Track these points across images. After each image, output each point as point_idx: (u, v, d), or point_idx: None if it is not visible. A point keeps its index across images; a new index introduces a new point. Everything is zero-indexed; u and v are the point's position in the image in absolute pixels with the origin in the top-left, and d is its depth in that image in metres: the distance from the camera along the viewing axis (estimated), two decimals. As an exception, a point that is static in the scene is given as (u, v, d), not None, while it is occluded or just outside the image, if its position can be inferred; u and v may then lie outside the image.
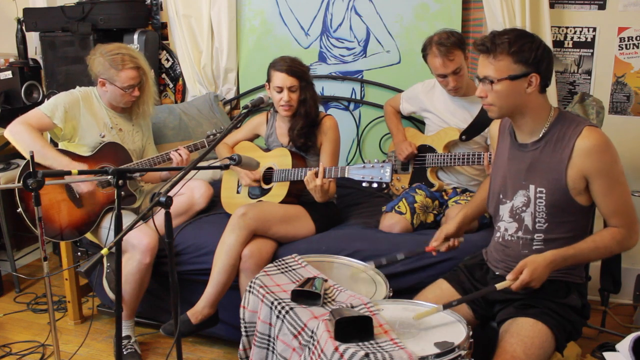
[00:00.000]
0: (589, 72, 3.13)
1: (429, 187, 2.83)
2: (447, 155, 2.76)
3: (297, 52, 3.16)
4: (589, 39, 3.09)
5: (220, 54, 3.64)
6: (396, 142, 2.98)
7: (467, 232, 2.48)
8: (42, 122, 2.68)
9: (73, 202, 2.70)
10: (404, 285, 2.38)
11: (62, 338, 2.91)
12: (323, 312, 1.88)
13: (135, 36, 3.56)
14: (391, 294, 2.06)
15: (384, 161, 2.35)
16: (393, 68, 3.43)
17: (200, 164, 2.00)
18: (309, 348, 1.77)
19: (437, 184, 2.83)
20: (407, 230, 2.65)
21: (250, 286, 2.11)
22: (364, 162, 2.38)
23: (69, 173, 2.23)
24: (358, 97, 3.53)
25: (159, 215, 2.39)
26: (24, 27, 3.73)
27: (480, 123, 2.69)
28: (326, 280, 2.07)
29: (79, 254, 3.04)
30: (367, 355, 1.57)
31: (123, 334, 2.62)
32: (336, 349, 1.61)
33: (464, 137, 2.74)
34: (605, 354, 1.76)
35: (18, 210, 2.61)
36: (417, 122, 3.32)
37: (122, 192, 1.91)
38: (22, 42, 3.83)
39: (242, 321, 2.12)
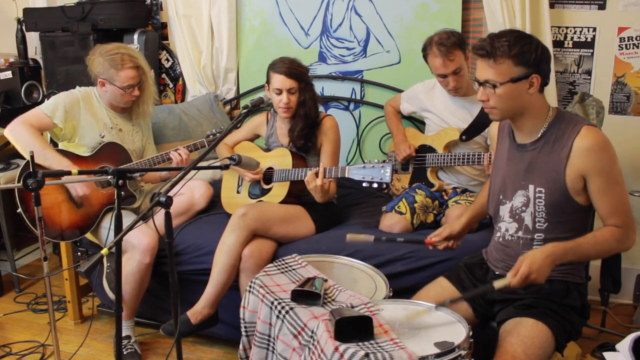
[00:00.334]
0: (589, 72, 3.13)
1: (429, 187, 2.83)
2: (447, 155, 2.76)
3: (297, 52, 3.16)
4: (589, 39, 3.09)
5: (220, 54, 3.64)
6: (396, 143, 2.98)
7: (468, 232, 2.49)
8: (42, 122, 2.68)
9: (73, 202, 2.70)
10: (404, 285, 2.38)
11: (62, 338, 2.91)
12: (323, 312, 1.88)
13: (135, 36, 3.56)
14: (391, 294, 2.06)
15: (384, 161, 2.35)
16: (393, 68, 3.43)
17: (200, 164, 2.01)
18: (309, 348, 1.77)
19: (437, 184, 2.83)
20: (407, 230, 2.65)
21: (250, 286, 2.11)
22: (364, 162, 2.38)
23: (68, 173, 2.23)
24: (358, 97, 3.53)
25: (159, 215, 2.39)
26: (24, 27, 3.73)
27: (480, 123, 2.69)
28: (326, 280, 2.07)
29: (79, 254, 3.04)
30: (367, 355, 1.57)
31: (123, 334, 2.62)
32: (336, 349, 1.61)
33: (464, 137, 2.74)
34: (605, 354, 1.76)
35: (18, 211, 2.61)
36: (417, 122, 3.32)
37: (122, 192, 1.91)
38: (22, 42, 3.83)
39: (242, 321, 2.12)
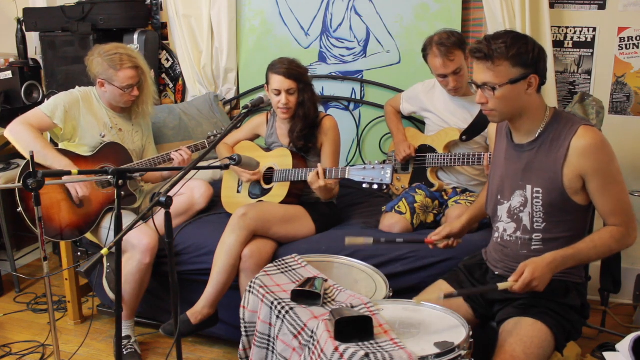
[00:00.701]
0: (589, 72, 3.13)
1: (429, 187, 2.83)
2: (447, 156, 2.76)
3: (297, 52, 3.16)
4: (589, 39, 3.09)
5: (220, 54, 3.64)
6: (396, 143, 2.98)
7: (468, 232, 2.49)
8: (42, 122, 2.69)
9: (73, 202, 2.70)
10: (404, 285, 2.38)
11: (62, 338, 2.91)
12: (323, 312, 1.88)
13: (135, 36, 3.56)
14: (391, 294, 2.06)
15: (384, 161, 2.35)
16: (393, 68, 3.42)
17: (200, 164, 2.01)
18: (309, 348, 1.77)
19: (437, 184, 2.83)
20: (407, 230, 2.65)
21: (250, 286, 2.11)
22: (364, 163, 2.38)
23: (69, 173, 2.23)
24: (358, 97, 3.53)
25: (159, 215, 2.39)
26: (24, 27, 3.73)
27: (480, 123, 2.69)
28: (326, 280, 2.07)
29: (79, 254, 3.04)
30: (367, 355, 1.57)
31: (123, 334, 2.62)
32: (336, 349, 1.61)
33: (464, 137, 2.74)
34: (605, 354, 1.76)
35: (18, 210, 2.61)
36: (418, 122, 3.32)
37: (122, 192, 1.91)
38: (22, 42, 3.83)
39: (242, 321, 2.12)
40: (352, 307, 1.85)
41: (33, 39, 3.91)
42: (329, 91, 3.57)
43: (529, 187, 1.91)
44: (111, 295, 2.74)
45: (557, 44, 3.13)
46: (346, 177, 2.41)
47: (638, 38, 3.00)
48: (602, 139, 1.82)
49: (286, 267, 2.22)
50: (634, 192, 2.77)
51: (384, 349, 1.61)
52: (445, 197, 2.80)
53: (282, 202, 2.69)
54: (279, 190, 2.72)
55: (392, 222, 2.66)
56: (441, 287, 2.12)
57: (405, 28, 3.36)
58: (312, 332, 1.78)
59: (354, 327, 1.66)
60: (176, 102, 3.83)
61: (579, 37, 3.10)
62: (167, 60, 3.84)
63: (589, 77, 3.14)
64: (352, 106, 3.55)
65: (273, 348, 1.99)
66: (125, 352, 2.69)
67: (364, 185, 2.34)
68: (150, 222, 2.40)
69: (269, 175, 2.79)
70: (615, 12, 3.01)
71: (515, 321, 1.88)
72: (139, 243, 2.62)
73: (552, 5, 3.05)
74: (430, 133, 2.91)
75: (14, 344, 2.89)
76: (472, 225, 2.26)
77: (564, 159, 1.83)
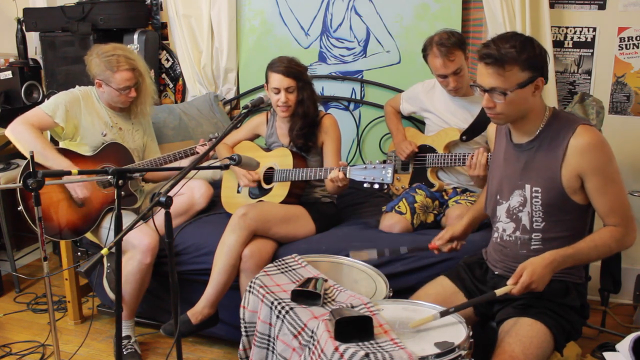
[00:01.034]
0: (589, 72, 3.13)
1: (429, 187, 2.83)
2: (448, 156, 2.76)
3: (297, 52, 3.16)
4: (589, 39, 3.09)
5: (220, 54, 3.64)
6: (396, 142, 2.98)
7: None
8: (43, 122, 2.69)
9: (74, 202, 2.70)
10: (404, 285, 2.38)
11: (62, 338, 2.91)
12: (323, 312, 1.88)
13: (135, 36, 3.56)
14: (391, 294, 2.06)
15: (384, 161, 2.34)
16: (393, 68, 3.42)
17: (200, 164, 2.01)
18: (309, 348, 1.77)
19: (437, 184, 2.83)
20: (407, 230, 2.65)
21: (250, 286, 2.11)
22: (364, 163, 2.37)
23: (69, 173, 2.23)
24: (358, 97, 3.53)
25: (159, 215, 2.39)
26: (24, 27, 3.73)
27: (480, 123, 2.69)
28: (326, 280, 2.07)
29: (79, 254, 3.04)
30: (367, 355, 1.57)
31: (123, 334, 2.62)
32: (336, 349, 1.61)
33: (464, 137, 2.74)
34: (605, 354, 1.76)
35: (19, 209, 2.61)
36: (417, 122, 3.32)
37: (123, 192, 1.91)
38: (22, 42, 3.83)
39: (242, 321, 2.12)
40: (352, 307, 1.85)
41: (33, 39, 3.91)
42: (329, 91, 3.57)
43: (527, 187, 1.91)
44: (111, 295, 2.74)
45: (557, 44, 3.13)
46: (347, 176, 2.41)
47: (638, 38, 3.00)
48: (600, 139, 1.82)
49: (286, 267, 2.22)
50: (634, 192, 2.77)
51: (384, 349, 1.61)
52: (446, 197, 2.80)
53: (282, 202, 2.69)
54: (279, 190, 2.72)
55: (392, 222, 2.66)
56: (442, 282, 2.12)
57: (405, 28, 3.36)
58: (312, 332, 1.78)
59: (354, 327, 1.66)
60: (176, 102, 3.83)
61: (579, 37, 3.10)
62: (167, 60, 3.84)
63: (589, 77, 3.14)
64: (352, 106, 3.55)
65: (273, 348, 1.99)
66: (125, 352, 2.69)
67: (365, 185, 2.34)
68: (151, 222, 2.40)
69: (269, 175, 2.79)
70: (615, 12, 3.01)
71: (515, 321, 1.88)
72: (140, 243, 2.62)
73: (552, 5, 3.05)
74: (430, 133, 2.91)
75: (14, 344, 2.89)
76: (474, 226, 2.26)
77: (562, 158, 1.83)
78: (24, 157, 3.11)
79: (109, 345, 2.88)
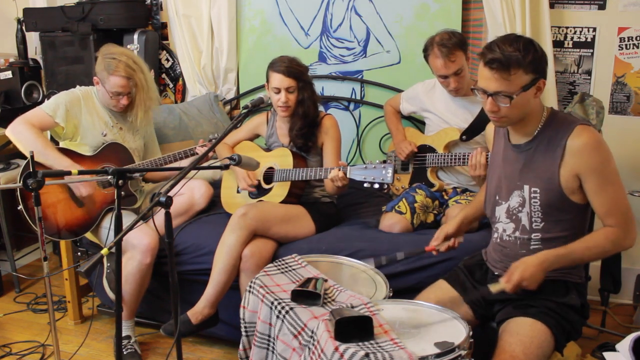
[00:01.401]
0: (589, 72, 3.13)
1: (429, 187, 2.83)
2: (447, 155, 2.76)
3: (297, 52, 3.16)
4: (589, 39, 3.09)
5: (220, 54, 3.64)
6: (396, 142, 2.98)
7: (467, 232, 2.49)
8: (44, 121, 2.69)
9: (74, 202, 2.70)
10: (404, 285, 2.38)
11: (62, 338, 2.91)
12: (323, 312, 1.88)
13: (135, 36, 3.56)
14: (391, 294, 2.06)
15: (384, 161, 2.34)
16: (393, 68, 3.42)
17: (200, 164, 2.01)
18: (309, 348, 1.77)
19: (437, 183, 2.83)
20: (407, 230, 2.65)
21: (250, 286, 2.11)
22: (365, 163, 2.38)
23: (69, 173, 2.23)
24: (358, 97, 3.53)
25: (159, 215, 2.39)
26: (24, 27, 3.73)
27: (480, 123, 2.69)
28: (326, 280, 2.07)
29: (79, 254, 3.04)
30: (367, 355, 1.57)
31: (123, 334, 2.62)
32: (336, 349, 1.61)
33: (464, 137, 2.74)
34: (605, 354, 1.76)
35: (19, 208, 2.62)
36: (417, 122, 3.32)
37: (123, 193, 1.91)
38: (22, 42, 3.83)
39: (242, 321, 2.12)
40: (352, 307, 1.85)
41: (33, 39, 3.91)
42: (329, 91, 3.57)
43: (526, 187, 1.91)
44: (111, 295, 2.74)
45: (557, 44, 3.13)
46: (347, 176, 2.41)
47: (638, 38, 3.00)
48: (598, 139, 1.82)
49: (286, 267, 2.22)
50: (634, 192, 2.77)
51: (384, 349, 1.61)
52: (446, 197, 2.80)
53: (282, 202, 2.69)
54: (279, 190, 2.72)
55: (392, 222, 2.66)
56: (441, 286, 2.12)
57: (405, 28, 3.36)
58: (312, 332, 1.78)
59: (354, 327, 1.66)
60: (176, 102, 3.83)
61: (579, 37, 3.10)
62: (167, 60, 3.84)
63: (589, 77, 3.14)
64: (352, 106, 3.55)
65: (273, 348, 1.99)
66: (125, 352, 2.69)
67: (365, 185, 2.34)
68: (150, 222, 2.40)
69: (269, 175, 2.79)
70: (615, 12, 3.01)
71: (515, 321, 1.88)
72: (140, 243, 2.62)
73: (552, 5, 3.05)
74: (430, 133, 2.91)
75: (14, 344, 2.89)
76: (469, 223, 2.26)
77: (560, 158, 1.83)
78: (24, 157, 3.11)
79: (109, 345, 2.88)
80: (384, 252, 2.48)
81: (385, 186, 2.34)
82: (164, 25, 3.79)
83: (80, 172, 2.15)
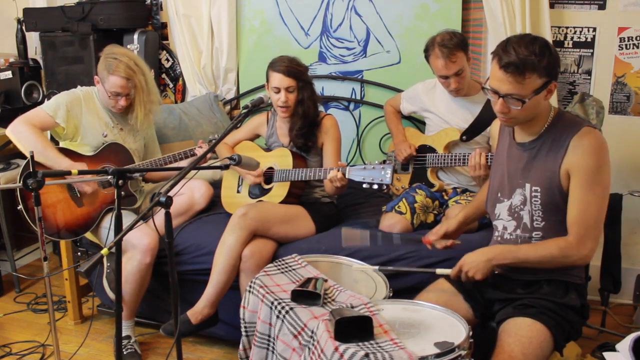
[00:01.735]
0: (589, 72, 3.13)
1: (429, 187, 2.83)
2: (448, 156, 2.76)
3: (297, 52, 3.16)
4: (589, 39, 3.09)
5: (220, 54, 3.64)
6: (396, 143, 2.98)
7: (467, 232, 2.49)
8: (44, 122, 2.69)
9: (74, 201, 2.70)
10: (404, 285, 2.38)
11: (62, 338, 2.91)
12: (323, 312, 1.88)
13: (135, 36, 3.56)
14: (391, 294, 2.06)
15: (384, 161, 2.34)
16: (393, 68, 3.42)
17: (200, 164, 2.01)
18: (309, 348, 1.77)
19: (437, 184, 2.83)
20: (407, 230, 2.65)
21: (250, 286, 2.11)
22: (364, 163, 2.38)
23: (69, 173, 2.23)
24: (358, 97, 3.53)
25: (159, 215, 2.39)
26: (24, 27, 3.73)
27: (481, 123, 2.69)
28: (326, 280, 2.07)
29: (79, 254, 3.04)
30: (367, 355, 1.57)
31: (123, 334, 2.62)
32: (336, 349, 1.61)
33: (464, 137, 2.74)
34: (605, 354, 1.76)
35: (18, 207, 2.62)
36: (418, 122, 3.32)
37: (123, 193, 1.91)
38: (22, 42, 3.83)
39: (242, 321, 2.12)
40: (352, 307, 1.85)
41: (33, 39, 3.91)
42: (329, 91, 3.57)
43: (527, 186, 1.91)
44: (111, 295, 2.74)
45: (557, 44, 3.13)
46: (346, 177, 2.41)
47: (638, 38, 3.00)
48: (600, 144, 1.81)
49: (286, 267, 2.22)
50: (634, 192, 2.77)
51: (384, 349, 1.61)
52: (446, 197, 2.80)
53: (282, 202, 2.69)
54: (279, 190, 2.72)
55: (392, 222, 2.66)
56: (442, 286, 2.12)
57: (405, 28, 3.35)
58: (312, 332, 1.78)
59: (354, 327, 1.66)
60: (176, 102, 3.83)
61: (579, 37, 3.10)
62: (167, 60, 3.84)
63: (589, 77, 3.14)
64: (352, 106, 3.55)
65: (273, 348, 1.99)
66: (125, 352, 2.69)
67: (364, 186, 2.34)
68: (150, 222, 2.40)
69: (269, 175, 2.79)
70: (615, 12, 3.01)
71: (514, 321, 1.88)
72: (139, 243, 2.62)
73: (552, 5, 3.05)
74: (430, 133, 2.91)
75: (14, 344, 2.89)
76: (469, 223, 2.26)
77: (562, 158, 1.83)
78: (24, 157, 3.11)
79: (109, 345, 2.88)
80: (384, 252, 2.49)
81: (385, 187, 2.34)
82: (164, 25, 3.79)
83: (80, 172, 2.15)
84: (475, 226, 2.58)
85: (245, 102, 3.71)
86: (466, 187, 2.83)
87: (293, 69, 2.65)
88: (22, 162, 3.35)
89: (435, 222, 2.74)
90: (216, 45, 3.65)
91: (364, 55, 3.47)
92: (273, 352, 1.99)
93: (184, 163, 2.82)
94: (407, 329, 1.75)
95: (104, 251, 1.66)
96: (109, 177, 1.88)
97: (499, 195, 2.02)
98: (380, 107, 3.38)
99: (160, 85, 3.87)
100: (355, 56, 3.49)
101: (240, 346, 2.16)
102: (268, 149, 2.90)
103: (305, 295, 1.95)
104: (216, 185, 3.07)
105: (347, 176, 2.40)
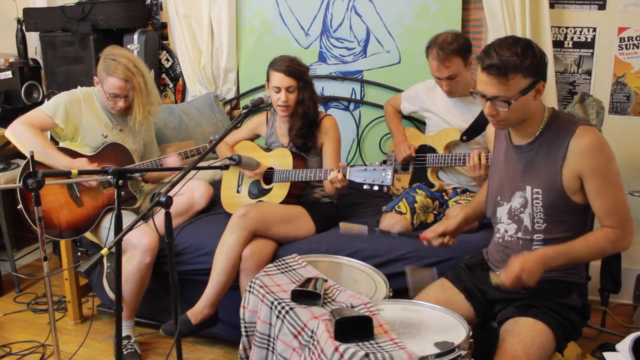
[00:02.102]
0: (589, 72, 3.13)
1: (429, 187, 2.83)
2: (448, 156, 2.76)
3: (297, 52, 3.16)
4: (589, 39, 3.09)
5: (220, 54, 3.64)
6: (396, 143, 2.98)
7: (467, 232, 2.49)
8: (43, 122, 2.69)
9: (74, 201, 2.70)
10: (404, 285, 2.37)
11: (62, 338, 2.91)
12: (323, 312, 1.88)
13: (135, 36, 3.56)
14: (391, 294, 2.06)
15: (384, 161, 2.34)
16: (393, 68, 3.42)
17: (200, 164, 2.01)
18: (309, 348, 1.77)
19: (437, 184, 2.83)
20: (407, 230, 2.64)
21: (250, 286, 2.11)
22: (364, 164, 2.37)
23: (69, 173, 2.24)
24: (358, 97, 3.53)
25: (159, 215, 2.39)
26: (24, 27, 3.73)
27: (481, 123, 2.69)
28: (326, 280, 2.07)
29: (79, 254, 3.04)
30: (367, 355, 1.57)
31: (123, 334, 2.62)
32: (336, 349, 1.61)
33: (464, 137, 2.74)
34: (605, 354, 1.76)
35: (18, 207, 2.62)
36: (418, 122, 3.32)
37: (123, 193, 1.91)
38: (22, 42, 3.83)
39: (242, 321, 2.12)
40: (352, 307, 1.85)
41: (33, 39, 3.91)
42: (329, 91, 3.57)
43: (528, 188, 1.91)
44: (111, 295, 2.74)
45: (557, 44, 3.13)
46: (347, 178, 2.41)
47: (638, 38, 3.00)
48: (600, 140, 1.82)
49: (286, 267, 2.22)
50: (634, 192, 2.77)
51: (384, 349, 1.61)
52: (446, 197, 2.80)
53: (282, 202, 2.68)
54: (279, 190, 2.72)
55: (392, 222, 2.66)
56: (443, 284, 2.12)
57: (405, 28, 3.36)
58: (312, 332, 1.78)
59: (354, 327, 1.66)
60: (176, 102, 3.83)
61: (579, 37, 3.10)
62: (167, 60, 3.84)
63: (589, 77, 3.14)
64: (352, 106, 3.55)
65: (273, 348, 1.99)
66: (125, 352, 2.69)
67: (365, 187, 2.34)
68: (150, 222, 2.40)
69: (269, 176, 2.79)
70: (615, 12, 3.01)
71: (516, 321, 1.88)
72: (139, 243, 2.62)
73: (552, 5, 3.05)
74: (430, 133, 2.91)
75: (14, 344, 2.89)
76: (468, 223, 2.26)
77: (562, 159, 1.83)
78: (24, 157, 3.11)
79: (109, 345, 2.88)
80: (384, 252, 2.49)
81: (385, 188, 2.34)
82: (164, 25, 3.79)
83: (81, 172, 2.16)
84: (476, 226, 2.58)
85: (245, 102, 3.71)
86: (466, 187, 2.83)
87: (294, 68, 2.66)
88: (22, 162, 3.35)
89: (435, 223, 2.74)
90: (216, 45, 3.65)
91: (364, 55, 3.47)
92: (273, 352, 1.99)
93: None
94: (407, 329, 1.75)
95: (104, 251, 1.66)
96: (109, 177, 1.88)
97: (499, 198, 2.02)
98: (380, 107, 3.38)
99: (160, 85, 3.87)
100: (355, 56, 3.49)
101: (240, 346, 2.16)
102: (268, 149, 2.90)
103: (305, 295, 1.95)
104: (216, 185, 3.07)
105: (347, 177, 2.40)
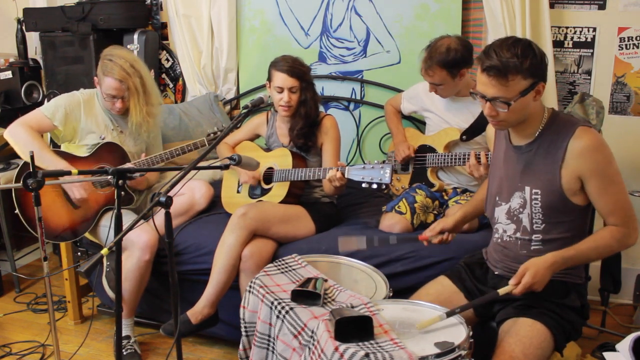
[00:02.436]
0: (589, 72, 3.13)
1: (429, 187, 2.83)
2: (448, 156, 2.76)
3: (297, 52, 3.16)
4: (589, 39, 3.09)
5: (220, 54, 3.64)
6: (396, 143, 2.98)
7: (467, 232, 2.49)
8: (42, 124, 2.69)
9: (70, 204, 2.70)
10: (404, 285, 2.38)
11: (62, 338, 2.91)
12: (323, 312, 1.88)
13: (135, 36, 3.56)
14: (391, 294, 2.06)
15: (383, 161, 2.34)
16: (393, 68, 3.42)
17: (200, 164, 2.00)
18: (309, 348, 1.77)
19: (437, 184, 2.83)
20: (407, 230, 2.65)
21: (250, 286, 2.11)
22: (364, 163, 2.37)
23: (69, 173, 2.23)
24: (358, 97, 3.53)
25: (159, 215, 2.39)
26: (24, 27, 3.73)
27: (481, 123, 2.69)
28: (326, 280, 2.07)
29: (79, 254, 3.04)
30: (367, 355, 1.57)
31: (123, 334, 2.62)
32: (336, 349, 1.61)
33: (464, 137, 2.74)
34: (605, 354, 1.76)
35: (15, 212, 2.61)
36: (418, 122, 3.32)
37: (122, 192, 1.91)
38: (22, 42, 3.84)
39: (242, 321, 2.12)
40: (352, 307, 1.85)
41: (33, 39, 3.91)
42: (329, 91, 3.57)
43: (527, 189, 1.91)
44: (111, 294, 2.74)
45: (557, 44, 3.13)
46: (345, 176, 2.41)
47: (638, 38, 3.00)
48: (599, 140, 1.82)
49: (286, 267, 2.22)
50: (634, 192, 2.77)
51: (384, 349, 1.61)
52: (446, 197, 2.80)
53: (282, 202, 2.68)
54: (279, 190, 2.72)
55: (392, 222, 2.66)
56: (442, 282, 2.13)
57: (405, 28, 3.35)
58: (312, 332, 1.78)
59: (354, 327, 1.66)
60: (176, 102, 3.83)
61: (579, 37, 3.10)
62: (167, 60, 3.84)
63: (589, 77, 3.14)
64: (352, 106, 3.55)
65: (273, 348, 1.99)
66: (125, 352, 2.69)
67: (363, 185, 2.34)
68: (151, 222, 2.40)
69: (268, 175, 2.79)
70: (615, 12, 3.01)
71: (515, 321, 1.88)
72: (138, 240, 2.62)
73: (552, 5, 3.05)
74: (430, 133, 2.91)
75: (14, 344, 2.89)
76: (467, 221, 2.26)
77: (561, 160, 1.83)
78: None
79: (109, 345, 2.88)
80: (384, 252, 2.49)
81: (384, 186, 2.34)
82: (164, 25, 3.79)
83: (80, 172, 2.15)
84: (476, 226, 2.58)
85: (245, 102, 3.70)
86: (466, 187, 2.83)
87: (297, 69, 2.65)
88: (22, 163, 3.35)
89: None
90: (216, 45, 3.65)
91: (364, 55, 3.47)
92: (273, 352, 1.99)
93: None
94: (407, 328, 1.75)
95: (104, 251, 1.66)
96: (109, 177, 1.88)
97: (497, 199, 2.03)
98: (380, 107, 3.38)
99: (160, 85, 3.87)
100: (355, 56, 3.49)
101: (240, 346, 2.16)
102: (268, 149, 2.90)
103: (305, 295, 1.95)
104: (216, 185, 3.07)
105: (346, 176, 2.40)
